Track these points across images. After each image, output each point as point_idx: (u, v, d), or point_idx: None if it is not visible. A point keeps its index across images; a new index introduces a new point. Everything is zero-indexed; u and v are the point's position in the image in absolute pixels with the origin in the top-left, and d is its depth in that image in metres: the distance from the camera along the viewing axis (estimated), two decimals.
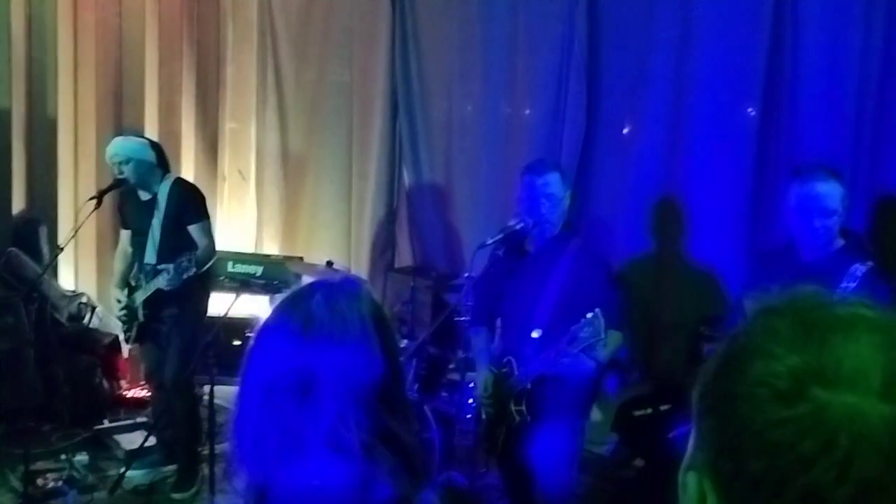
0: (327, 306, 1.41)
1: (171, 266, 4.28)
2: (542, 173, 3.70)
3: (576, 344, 3.25)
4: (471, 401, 4.10)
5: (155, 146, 4.64)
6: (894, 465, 0.67)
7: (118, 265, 4.80)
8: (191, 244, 4.47)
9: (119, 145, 4.52)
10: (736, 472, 0.72)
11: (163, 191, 4.54)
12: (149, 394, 5.28)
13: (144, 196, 4.57)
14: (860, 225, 3.92)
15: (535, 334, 3.54)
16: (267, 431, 1.38)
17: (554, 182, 3.68)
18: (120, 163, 4.47)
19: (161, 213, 4.50)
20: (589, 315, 3.20)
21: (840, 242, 3.12)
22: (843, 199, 3.08)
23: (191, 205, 4.58)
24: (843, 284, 2.94)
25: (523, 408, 3.54)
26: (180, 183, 4.70)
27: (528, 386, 3.53)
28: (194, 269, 4.30)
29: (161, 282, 4.33)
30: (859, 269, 2.98)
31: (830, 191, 3.07)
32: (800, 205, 3.10)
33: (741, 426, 0.72)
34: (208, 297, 4.82)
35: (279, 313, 1.47)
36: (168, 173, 4.65)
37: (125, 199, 4.74)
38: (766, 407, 0.70)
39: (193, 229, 4.52)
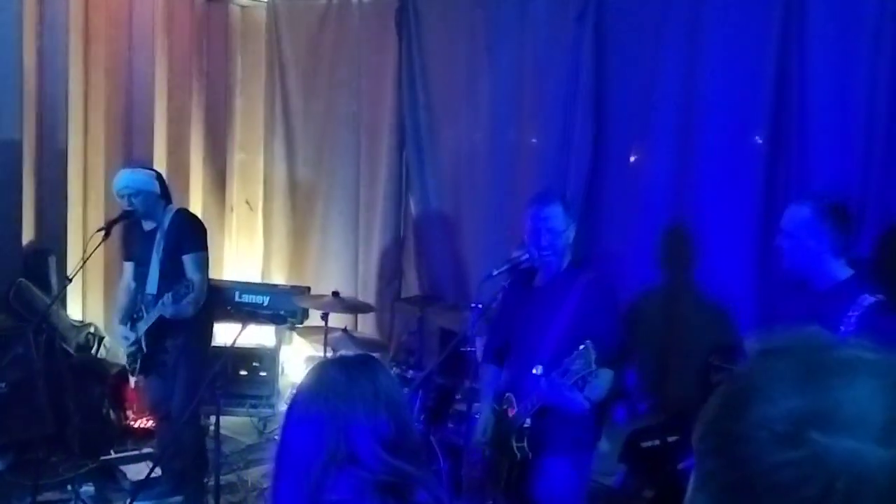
0: (340, 378, 1.75)
1: (168, 295, 4.28)
2: (545, 205, 3.68)
3: (568, 376, 3.22)
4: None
5: (158, 177, 4.66)
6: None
7: (122, 300, 4.79)
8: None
9: (128, 178, 4.53)
10: None
11: (165, 221, 4.56)
12: (154, 425, 5.24)
13: (148, 226, 4.58)
14: (868, 253, 3.91)
15: (536, 370, 3.50)
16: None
17: (556, 214, 3.64)
18: (129, 195, 4.48)
19: (162, 244, 4.51)
20: (581, 347, 3.17)
21: (849, 272, 3.11)
22: (810, 224, 3.07)
23: (189, 235, 4.58)
24: (850, 313, 2.92)
25: (524, 444, 3.51)
26: (182, 213, 4.71)
27: (528, 422, 3.50)
28: (193, 295, 4.29)
29: (164, 309, 4.32)
30: (867, 299, 2.96)
31: (794, 213, 3.10)
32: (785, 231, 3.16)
33: (742, 469, 0.72)
34: (212, 327, 4.81)
35: (302, 393, 1.78)
36: (170, 204, 4.67)
37: (129, 231, 4.74)
38: (766, 450, 0.70)
39: (187, 259, 4.50)
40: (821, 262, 3.08)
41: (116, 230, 4.71)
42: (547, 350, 3.52)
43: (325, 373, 1.79)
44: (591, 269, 3.68)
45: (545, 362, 3.46)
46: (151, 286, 4.52)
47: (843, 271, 3.09)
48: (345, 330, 5.20)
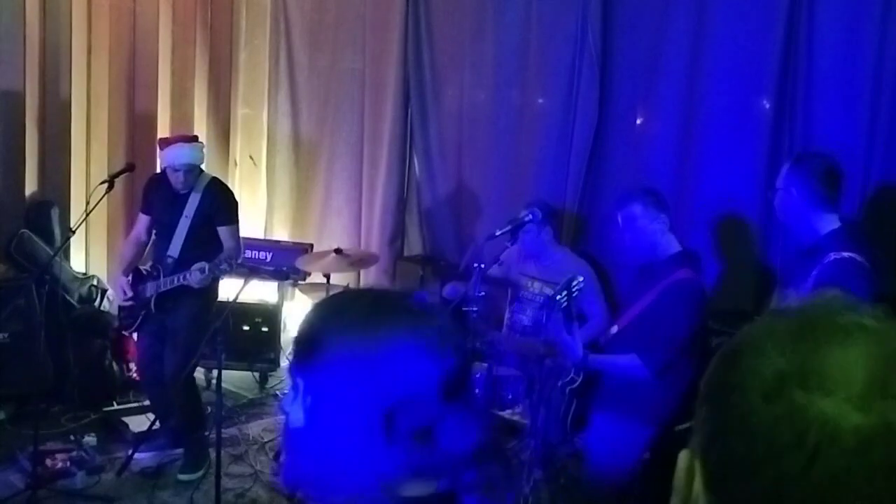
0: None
1: (206, 265, 4.27)
2: (621, 207, 3.78)
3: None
4: (477, 390, 4.11)
5: (203, 146, 4.71)
6: (858, 464, 0.71)
7: (129, 252, 4.78)
8: (215, 243, 4.49)
9: (188, 154, 4.50)
10: (720, 456, 0.78)
11: (199, 187, 4.54)
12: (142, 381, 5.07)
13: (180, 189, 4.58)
14: (872, 217, 3.91)
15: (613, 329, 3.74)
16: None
17: (634, 215, 3.72)
18: (185, 171, 4.47)
19: (193, 210, 4.50)
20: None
21: (829, 228, 3.12)
22: (792, 177, 3.15)
23: (225, 207, 4.61)
24: (814, 272, 2.95)
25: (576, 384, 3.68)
26: (216, 183, 4.70)
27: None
28: (226, 268, 4.32)
29: (193, 279, 4.32)
30: (831, 256, 2.97)
31: (782, 169, 3.25)
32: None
33: (729, 414, 0.78)
34: (217, 293, 4.78)
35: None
36: (203, 172, 4.67)
37: (156, 186, 4.70)
38: (752, 400, 0.75)
39: (223, 231, 4.55)
40: (805, 215, 3.12)
41: (123, 182, 4.69)
42: (622, 322, 3.63)
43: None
44: (689, 269, 3.66)
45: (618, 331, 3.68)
46: (174, 249, 4.51)
47: (826, 227, 3.10)
48: (347, 287, 5.21)
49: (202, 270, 4.28)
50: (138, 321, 4.64)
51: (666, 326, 3.51)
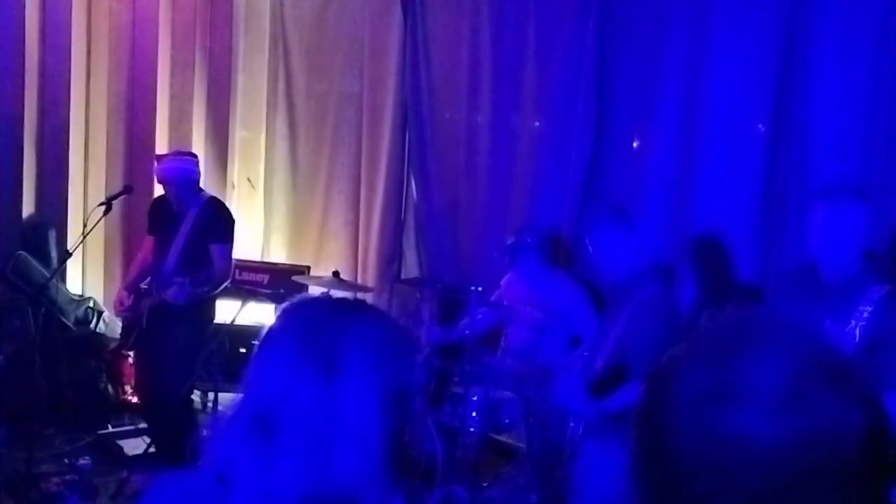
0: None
1: (186, 280, 4.27)
2: (590, 231, 3.74)
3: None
4: (474, 414, 4.10)
5: (197, 162, 4.70)
6: (775, 480, 0.71)
7: (134, 269, 4.81)
8: (209, 261, 4.49)
9: (178, 168, 4.53)
10: (645, 477, 0.79)
11: (196, 204, 4.56)
12: (139, 401, 5.13)
13: (177, 206, 4.59)
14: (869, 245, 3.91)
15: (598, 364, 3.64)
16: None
17: (604, 237, 3.70)
18: (176, 184, 4.49)
19: (189, 226, 4.52)
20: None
21: (860, 264, 3.10)
22: (867, 221, 3.06)
23: (220, 224, 4.61)
24: (861, 308, 2.92)
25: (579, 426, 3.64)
26: (214, 201, 4.72)
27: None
28: (207, 288, 4.30)
29: (171, 293, 4.33)
30: (877, 291, 2.96)
31: (855, 214, 3.06)
32: (824, 226, 3.09)
33: (652, 435, 0.79)
34: (214, 311, 4.80)
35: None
36: (202, 190, 4.69)
37: (158, 207, 4.75)
38: (674, 421, 0.76)
39: (214, 248, 4.53)
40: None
41: (120, 204, 4.71)
42: (601, 357, 3.61)
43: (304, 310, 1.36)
44: (655, 285, 3.63)
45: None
46: (168, 265, 4.53)
47: (859, 262, 3.08)
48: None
49: (180, 285, 4.28)
50: (133, 338, 4.64)
51: (650, 346, 3.48)
